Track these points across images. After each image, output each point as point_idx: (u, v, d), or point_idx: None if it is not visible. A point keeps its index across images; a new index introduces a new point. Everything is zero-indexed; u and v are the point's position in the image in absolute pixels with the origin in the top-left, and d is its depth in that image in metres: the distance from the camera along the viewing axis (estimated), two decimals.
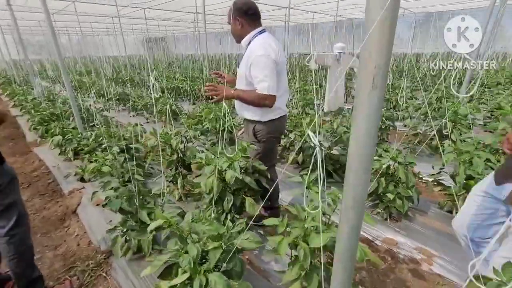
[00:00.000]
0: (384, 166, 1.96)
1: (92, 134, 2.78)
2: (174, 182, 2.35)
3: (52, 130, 3.22)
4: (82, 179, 2.80)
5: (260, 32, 1.59)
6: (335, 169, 2.69)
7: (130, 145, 2.61)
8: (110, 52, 20.76)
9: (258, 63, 1.49)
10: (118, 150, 2.35)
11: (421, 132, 3.26)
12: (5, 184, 1.27)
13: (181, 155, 2.18)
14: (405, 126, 4.00)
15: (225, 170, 1.46)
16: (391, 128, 3.61)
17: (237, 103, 1.75)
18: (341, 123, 3.21)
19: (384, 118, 3.46)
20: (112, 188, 2.13)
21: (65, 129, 3.21)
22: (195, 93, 6.23)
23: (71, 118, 3.78)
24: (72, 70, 9.69)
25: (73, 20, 12.38)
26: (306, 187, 1.36)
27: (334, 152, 2.77)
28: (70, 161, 3.29)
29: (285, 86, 1.72)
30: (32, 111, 4.20)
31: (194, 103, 6.22)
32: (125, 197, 1.65)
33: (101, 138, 2.67)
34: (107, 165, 2.15)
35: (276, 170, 2.04)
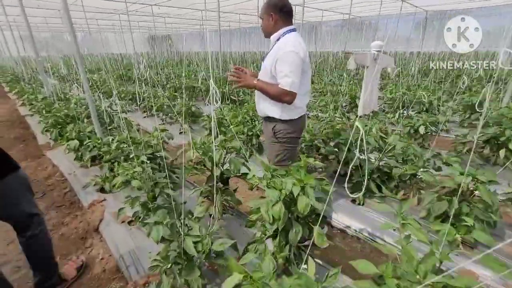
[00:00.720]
0: (464, 184, 1.67)
1: (113, 139, 2.52)
2: (210, 198, 2.08)
3: (68, 134, 2.96)
4: (102, 189, 2.54)
5: (291, 30, 1.60)
6: (383, 181, 2.40)
7: (156, 153, 2.34)
8: (115, 49, 20.58)
9: (286, 58, 1.50)
10: (147, 161, 2.09)
11: (473, 140, 2.95)
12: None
13: (221, 169, 1.91)
14: (446, 131, 3.69)
15: (296, 195, 1.18)
16: (432, 134, 3.30)
17: (257, 99, 1.75)
18: (380, 129, 2.91)
19: (428, 123, 3.16)
20: (141, 205, 1.87)
21: (82, 133, 2.95)
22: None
23: (86, 120, 3.53)
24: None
25: (80, 17, 12.21)
26: (402, 223, 1.09)
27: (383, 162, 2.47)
28: (86, 167, 3.03)
29: (308, 87, 1.71)
30: (44, 112, 3.96)
31: (209, 103, 5.95)
32: (166, 223, 1.37)
33: (124, 144, 2.41)
34: (136, 178, 1.88)
35: None
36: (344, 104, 4.36)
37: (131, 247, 1.86)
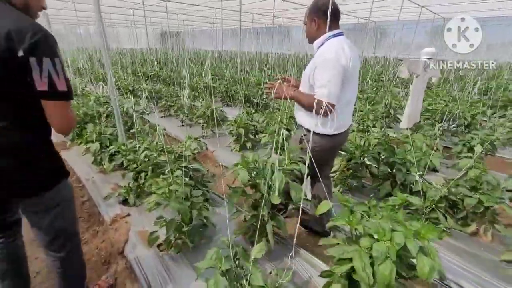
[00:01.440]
0: None
1: (139, 146, 2.24)
2: (253, 223, 1.78)
3: (87, 136, 2.70)
4: (125, 201, 2.27)
5: (336, 35, 1.47)
6: (446, 210, 2.07)
7: (190, 166, 2.06)
8: (126, 44, 20.52)
9: (324, 66, 1.39)
10: (185, 178, 1.80)
11: None
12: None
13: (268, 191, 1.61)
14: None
15: (414, 254, 0.88)
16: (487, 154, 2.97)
17: (296, 106, 1.68)
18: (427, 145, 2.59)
19: (485, 141, 2.82)
20: (175, 229, 1.59)
21: (103, 135, 2.69)
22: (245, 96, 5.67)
23: (104, 119, 3.27)
24: (88, 59, 9.27)
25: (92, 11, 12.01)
26: None
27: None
28: (106, 173, 2.77)
29: (351, 97, 1.56)
30: None
31: (228, 105, 5.66)
32: (222, 271, 1.08)
33: (152, 153, 2.13)
34: (172, 199, 1.59)
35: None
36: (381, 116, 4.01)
37: (165, 280, 1.57)
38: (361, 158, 2.33)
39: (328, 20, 1.37)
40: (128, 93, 5.81)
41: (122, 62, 9.43)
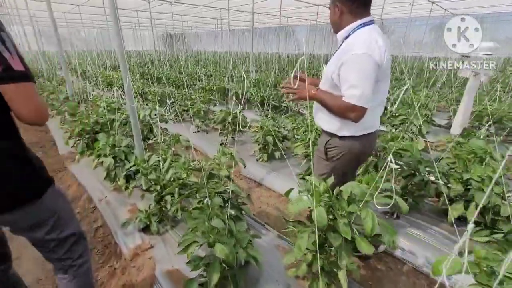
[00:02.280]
0: None
1: (162, 164, 1.88)
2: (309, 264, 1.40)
3: (100, 149, 2.35)
4: (146, 228, 1.91)
5: (365, 24, 1.22)
6: None
7: (227, 188, 1.70)
8: (130, 47, 20.35)
9: (354, 64, 1.16)
10: (224, 205, 1.44)
11: None
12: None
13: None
14: None
15: None
16: None
17: (315, 107, 1.47)
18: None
19: None
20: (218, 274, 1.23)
21: (117, 148, 2.34)
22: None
23: (116, 125, 2.93)
24: (92, 62, 8.99)
25: (101, 13, 12.01)
26: None
27: None
28: (120, 191, 2.42)
29: (383, 98, 1.35)
30: (67, 115, 3.39)
31: (243, 108, 5.30)
32: None
33: (181, 171, 1.77)
34: (216, 238, 1.23)
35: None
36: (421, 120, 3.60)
37: None
38: (427, 174, 1.95)
39: (355, 4, 1.18)
40: (138, 97, 5.49)
41: (129, 64, 9.13)
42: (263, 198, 2.62)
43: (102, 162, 2.33)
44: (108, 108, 3.20)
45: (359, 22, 1.21)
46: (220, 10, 12.32)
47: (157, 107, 2.67)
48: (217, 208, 1.43)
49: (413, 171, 1.99)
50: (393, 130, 3.21)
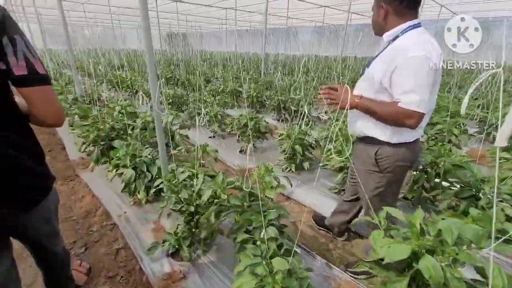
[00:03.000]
0: None
1: (195, 182, 1.66)
2: None
3: (118, 159, 2.13)
4: (175, 253, 1.69)
5: (415, 26, 1.15)
6: None
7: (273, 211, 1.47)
8: (133, 45, 20.18)
9: (411, 67, 1.07)
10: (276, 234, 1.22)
11: None
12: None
13: None
14: None
15: None
16: None
17: (354, 115, 1.35)
18: None
19: None
20: None
21: (138, 159, 2.12)
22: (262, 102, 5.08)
23: (136, 132, 2.71)
24: (94, 60, 8.73)
25: (104, 11, 11.94)
26: None
27: None
28: (140, 205, 2.21)
29: (434, 102, 1.25)
30: (78, 117, 3.17)
31: (258, 112, 5.08)
32: None
33: (219, 190, 1.54)
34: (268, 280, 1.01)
35: None
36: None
37: None
38: (491, 197, 1.73)
39: (403, 4, 1.13)
40: (148, 99, 5.27)
41: (137, 63, 8.92)
42: (294, 214, 2.40)
43: (121, 173, 2.11)
44: (123, 111, 2.98)
45: (408, 23, 1.16)
46: (226, 10, 12.18)
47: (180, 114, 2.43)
48: (270, 240, 1.21)
49: (474, 192, 1.77)
50: (430, 140, 2.97)
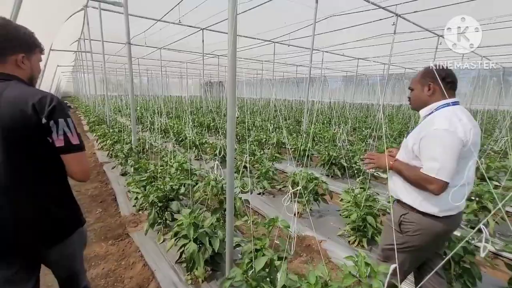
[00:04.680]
0: None
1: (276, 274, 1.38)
2: None
3: (181, 227, 1.94)
4: None
5: (452, 104, 1.29)
6: None
7: None
8: (174, 92, 22.19)
9: (434, 138, 1.22)
10: None
11: None
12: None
13: None
14: None
15: None
16: None
17: (390, 175, 1.45)
18: None
19: None
20: None
21: (201, 230, 1.91)
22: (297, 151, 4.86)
23: (197, 196, 2.57)
24: (144, 106, 9.41)
25: (154, 64, 13.62)
26: None
27: None
28: (197, 283, 1.93)
29: (468, 176, 1.23)
30: (133, 171, 3.17)
31: (302, 165, 4.82)
32: None
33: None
34: None
35: None
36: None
37: None
38: None
39: (448, 85, 1.30)
40: (194, 148, 5.35)
41: (179, 110, 9.48)
42: None
43: (182, 245, 1.90)
44: (180, 168, 2.92)
45: (444, 101, 1.29)
46: (262, 63, 13.10)
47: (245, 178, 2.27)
48: None
49: None
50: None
